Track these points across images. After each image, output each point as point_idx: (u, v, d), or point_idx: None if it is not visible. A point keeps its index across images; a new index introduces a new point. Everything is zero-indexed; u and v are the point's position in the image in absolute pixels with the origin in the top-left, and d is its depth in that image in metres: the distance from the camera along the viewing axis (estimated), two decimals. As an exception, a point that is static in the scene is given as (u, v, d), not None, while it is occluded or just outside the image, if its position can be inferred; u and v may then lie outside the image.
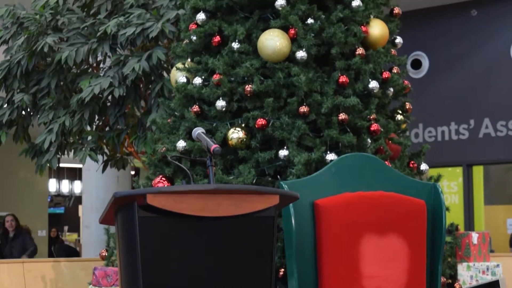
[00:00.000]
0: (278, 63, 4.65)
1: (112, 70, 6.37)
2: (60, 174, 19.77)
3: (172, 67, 5.27)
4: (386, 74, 4.89)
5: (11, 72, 6.75)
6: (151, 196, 3.17)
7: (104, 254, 5.36)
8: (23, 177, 16.62)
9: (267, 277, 3.32)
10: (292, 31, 4.66)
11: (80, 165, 13.97)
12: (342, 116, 4.58)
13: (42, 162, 6.74)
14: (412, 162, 5.08)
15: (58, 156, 6.76)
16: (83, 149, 6.61)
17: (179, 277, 3.21)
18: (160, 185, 4.62)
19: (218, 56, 4.82)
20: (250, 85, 4.63)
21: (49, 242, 16.63)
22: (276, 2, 4.67)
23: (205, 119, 4.78)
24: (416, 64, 10.51)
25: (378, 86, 4.75)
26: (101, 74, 6.59)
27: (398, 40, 5.16)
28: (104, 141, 6.75)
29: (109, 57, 6.56)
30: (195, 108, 4.78)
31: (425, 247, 4.15)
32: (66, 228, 20.56)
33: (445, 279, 4.93)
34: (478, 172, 10.43)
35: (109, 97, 6.40)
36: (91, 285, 5.09)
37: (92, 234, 9.46)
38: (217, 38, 4.84)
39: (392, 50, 5.10)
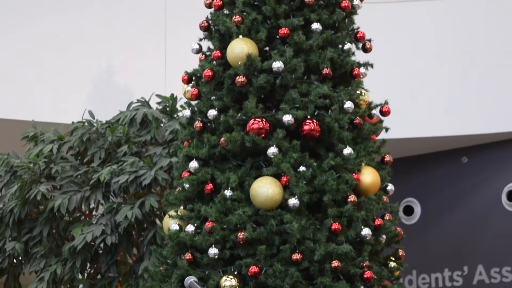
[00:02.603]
0: (270, 211, 4.66)
1: (105, 217, 6.37)
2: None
3: (164, 215, 5.28)
4: (378, 221, 4.90)
5: (3, 221, 6.73)
6: None
7: None
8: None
9: None
10: (284, 179, 4.69)
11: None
12: (335, 263, 4.56)
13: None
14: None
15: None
16: (74, 298, 6.53)
17: None
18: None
19: (210, 203, 4.83)
20: (242, 233, 4.62)
21: None
22: (268, 150, 4.73)
23: (198, 267, 4.75)
24: (408, 211, 10.51)
25: (371, 233, 4.75)
26: (94, 222, 6.58)
27: (390, 187, 5.19)
28: (96, 289, 6.67)
29: (101, 204, 6.57)
30: (188, 255, 4.75)
31: None
32: None
33: None
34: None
35: (101, 245, 6.37)
36: None
37: None
38: (209, 186, 4.87)
39: (384, 197, 5.12)
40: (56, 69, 8.45)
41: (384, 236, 4.94)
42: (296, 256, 4.57)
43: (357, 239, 4.74)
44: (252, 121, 4.77)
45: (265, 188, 4.65)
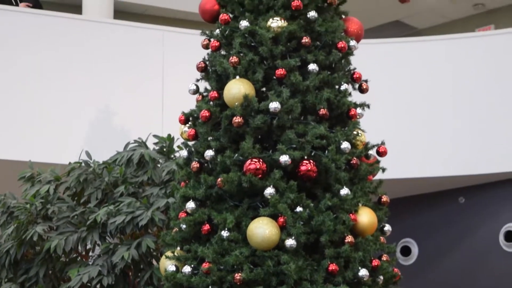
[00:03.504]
0: (267, 251, 4.65)
1: (101, 258, 6.35)
2: None
3: (161, 255, 5.26)
4: (375, 262, 4.89)
5: (0, 261, 6.71)
6: None
7: None
8: None
9: None
10: (281, 219, 4.69)
11: None
12: (332, 304, 4.54)
13: None
14: None
15: None
16: None
17: None
18: None
19: (207, 244, 4.82)
20: (239, 274, 4.60)
21: None
22: (265, 190, 4.73)
23: (194, 308, 4.72)
24: (406, 251, 10.49)
25: (368, 274, 4.74)
26: (90, 263, 6.56)
27: (387, 227, 5.18)
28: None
29: (98, 245, 6.56)
30: (184, 296, 4.73)
31: None
32: None
33: None
34: None
35: (98, 286, 6.34)
36: None
37: None
38: (206, 227, 4.86)
39: (381, 237, 5.11)
40: (53, 110, 8.48)
41: (381, 277, 4.93)
42: (293, 297, 4.55)
43: (355, 280, 4.72)
44: (249, 161, 4.78)
45: (262, 229, 4.65)
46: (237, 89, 4.90)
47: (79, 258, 6.82)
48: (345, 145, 4.90)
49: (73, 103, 8.55)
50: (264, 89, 5.03)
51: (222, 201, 4.92)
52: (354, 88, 5.30)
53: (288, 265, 4.57)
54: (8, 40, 8.58)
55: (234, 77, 4.96)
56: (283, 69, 4.94)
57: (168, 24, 10.65)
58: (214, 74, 5.17)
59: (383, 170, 5.22)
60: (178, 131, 5.36)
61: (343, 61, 5.22)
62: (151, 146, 6.90)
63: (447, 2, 12.77)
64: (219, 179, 4.83)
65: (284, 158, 4.76)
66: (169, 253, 4.97)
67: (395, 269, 5.10)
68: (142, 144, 6.89)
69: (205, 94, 5.24)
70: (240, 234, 4.74)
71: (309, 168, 4.78)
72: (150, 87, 8.83)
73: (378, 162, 5.23)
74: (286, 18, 5.05)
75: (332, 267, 4.65)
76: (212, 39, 5.22)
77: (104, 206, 6.44)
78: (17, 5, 9.51)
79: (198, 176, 5.00)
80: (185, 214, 4.96)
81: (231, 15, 5.19)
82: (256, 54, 5.00)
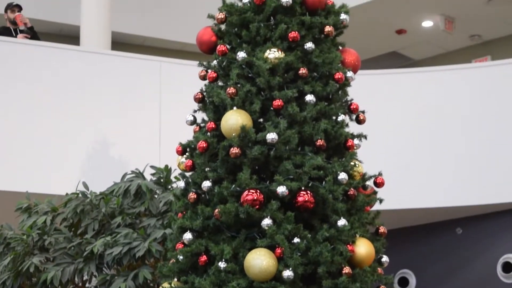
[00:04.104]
0: (265, 283, 4.63)
1: (98, 289, 6.32)
2: None
3: (158, 287, 5.24)
4: (373, 293, 4.88)
5: (-3, 293, 6.69)
6: None
7: None
8: None
9: None
10: (278, 250, 4.68)
11: None
12: (330, 336, 4.52)
13: None
14: None
15: None
16: None
17: None
18: None
19: (204, 275, 4.81)
20: (237, 305, 4.59)
21: None
22: (263, 221, 4.72)
23: None
24: (403, 282, 10.46)
25: (366, 306, 4.73)
26: (87, 294, 6.53)
27: (385, 258, 5.17)
28: None
29: (95, 276, 6.53)
30: (181, 329, 4.71)
31: None
32: None
33: None
34: None
35: (94, 318, 6.32)
36: None
37: None
38: (203, 258, 4.85)
39: (379, 268, 5.10)
40: (50, 140, 8.49)
41: (379, 309, 4.92)
42: (290, 329, 4.53)
43: (352, 311, 4.71)
44: (246, 192, 4.77)
45: (259, 260, 4.63)
46: (235, 120, 4.90)
47: (76, 289, 6.79)
48: (342, 176, 4.91)
49: (70, 133, 8.56)
50: (261, 120, 5.05)
51: (219, 232, 4.91)
52: (351, 119, 5.31)
53: (286, 296, 4.55)
54: (6, 70, 8.61)
55: (232, 108, 4.97)
56: (280, 100, 4.95)
57: (165, 55, 10.69)
58: (211, 105, 5.18)
59: (381, 201, 5.22)
60: (175, 162, 5.36)
61: (340, 92, 5.24)
62: (148, 176, 6.90)
63: (443, 33, 12.83)
64: (216, 210, 4.83)
65: (281, 189, 4.76)
66: (166, 284, 4.95)
67: (393, 300, 5.08)
68: (139, 174, 6.89)
69: (202, 125, 5.25)
70: (238, 265, 4.73)
71: (307, 199, 4.78)
72: (147, 118, 8.85)
73: (375, 193, 5.23)
74: (283, 49, 5.07)
75: (330, 298, 4.64)
76: (209, 70, 5.25)
77: (101, 237, 6.42)
78: (15, 36, 9.55)
79: (195, 207, 4.99)
80: (182, 245, 4.95)
81: (228, 46, 5.21)
82: (254, 85, 5.02)
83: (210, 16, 5.33)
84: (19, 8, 9.62)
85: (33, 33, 9.59)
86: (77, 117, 8.60)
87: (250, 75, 5.06)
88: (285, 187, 4.76)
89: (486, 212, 9.68)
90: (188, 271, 4.94)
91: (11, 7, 9.62)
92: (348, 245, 4.83)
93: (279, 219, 4.74)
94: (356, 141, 5.18)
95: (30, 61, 8.71)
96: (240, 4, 5.28)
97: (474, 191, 9.24)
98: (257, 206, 4.74)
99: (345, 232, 4.82)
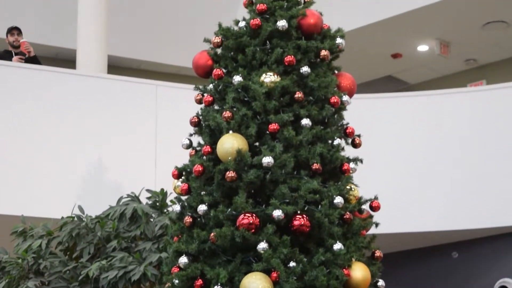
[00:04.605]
0: (260, 307, 4.62)
1: (93, 314, 6.29)
2: None
3: (153, 311, 5.23)
4: (370, 317, 4.87)
5: (-10, 317, 6.66)
6: None
7: None
8: None
9: None
10: (274, 274, 4.66)
11: None
12: None
13: None
14: None
15: None
16: None
17: None
18: None
19: (200, 299, 4.79)
20: (232, 329, 4.57)
21: None
22: (258, 245, 4.71)
23: None
24: (400, 307, 10.44)
25: (363, 329, 4.71)
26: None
27: (381, 283, 5.16)
28: None
29: (90, 300, 6.51)
30: None
31: None
32: None
33: None
34: None
35: None
36: None
37: None
38: (199, 282, 4.83)
39: (375, 293, 5.10)
40: (45, 163, 8.49)
41: (375, 332, 4.90)
42: None
43: (349, 335, 4.69)
44: (242, 216, 4.77)
45: (255, 284, 4.62)
46: (230, 143, 4.91)
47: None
48: (338, 200, 4.91)
49: (66, 157, 8.56)
50: (257, 143, 5.05)
51: (215, 256, 4.90)
52: (347, 143, 5.32)
53: (282, 320, 4.54)
54: (3, 93, 8.62)
55: (227, 132, 4.98)
56: (276, 124, 4.96)
57: (161, 79, 10.72)
58: (207, 128, 5.19)
59: (376, 225, 5.21)
60: (171, 186, 5.36)
61: (336, 116, 5.25)
62: (144, 200, 6.89)
63: (439, 58, 12.89)
64: (212, 234, 4.82)
65: (277, 213, 4.75)
66: (161, 309, 4.94)
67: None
68: (135, 198, 6.88)
69: (198, 148, 5.25)
70: (233, 289, 4.72)
71: (302, 223, 4.77)
72: (143, 141, 8.85)
73: (371, 217, 5.23)
74: (279, 73, 5.09)
75: (326, 321, 4.63)
76: (205, 94, 5.26)
77: (96, 261, 6.40)
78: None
79: (191, 231, 4.98)
80: (178, 269, 4.93)
81: (224, 70, 5.23)
82: (249, 109, 5.03)
83: (206, 40, 5.35)
84: (18, 30, 9.64)
85: (35, 61, 9.57)
86: (73, 141, 8.60)
87: (246, 99, 5.07)
88: (281, 211, 4.75)
89: (483, 236, 9.69)
90: (184, 295, 4.92)
91: (10, 31, 9.65)
92: (344, 269, 4.82)
93: (275, 243, 4.74)
94: (352, 165, 5.18)
95: (27, 84, 8.72)
96: (236, 28, 5.30)
97: (470, 215, 9.24)
98: (253, 230, 4.74)
99: (341, 256, 4.82)
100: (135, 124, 8.87)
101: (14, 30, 9.65)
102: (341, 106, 5.25)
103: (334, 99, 5.15)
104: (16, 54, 9.51)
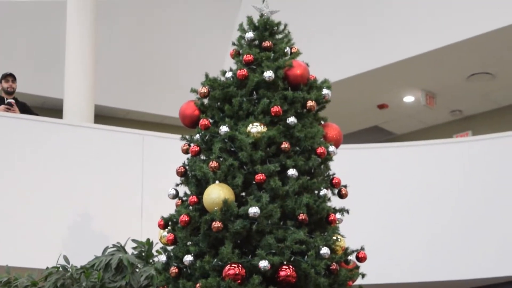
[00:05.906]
0: None
1: None
2: None
3: None
4: None
5: None
6: None
7: None
8: None
9: None
10: (260, 326, 4.64)
11: None
12: None
13: None
14: None
15: None
16: None
17: None
18: None
19: None
20: None
21: None
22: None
23: None
24: None
25: None
26: None
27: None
28: None
29: None
30: None
31: None
32: None
33: None
34: None
35: None
36: None
37: None
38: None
39: None
40: (30, 213, 8.42)
41: None
42: None
43: None
44: (228, 267, 4.75)
45: (216, 193, 4.63)
46: (217, 194, 4.91)
47: None
48: (325, 250, 4.90)
49: (51, 206, 8.50)
50: (243, 194, 5.05)
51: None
52: (333, 193, 5.32)
53: None
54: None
55: (214, 182, 4.97)
56: (263, 174, 4.96)
57: (147, 128, 10.72)
58: (193, 178, 5.19)
59: (363, 275, 5.20)
60: (157, 236, 5.34)
61: (322, 166, 5.26)
62: (129, 250, 6.85)
63: (424, 108, 12.97)
64: (198, 285, 4.79)
65: (264, 263, 4.73)
66: None
67: None
68: (121, 248, 6.84)
69: (184, 198, 5.24)
70: None
71: (289, 273, 4.75)
72: (129, 191, 8.82)
73: (357, 267, 5.21)
74: (265, 123, 5.11)
75: None
76: (192, 144, 5.26)
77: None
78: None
79: (177, 282, 4.95)
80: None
81: (211, 120, 5.25)
82: (236, 159, 5.03)
83: (193, 90, 5.38)
84: (12, 77, 9.67)
85: (29, 111, 9.58)
86: (59, 190, 8.56)
87: (232, 149, 5.08)
88: (267, 261, 4.74)
89: (473, 287, 9.64)
90: None
91: (4, 77, 9.68)
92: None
93: (261, 294, 4.71)
94: (338, 215, 5.18)
95: (12, 133, 8.70)
96: (223, 78, 5.33)
97: (459, 265, 9.21)
98: (239, 281, 4.71)
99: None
100: (122, 174, 8.84)
101: (8, 77, 9.67)
102: (328, 157, 5.26)
103: (320, 150, 5.16)
104: (8, 101, 9.51)
